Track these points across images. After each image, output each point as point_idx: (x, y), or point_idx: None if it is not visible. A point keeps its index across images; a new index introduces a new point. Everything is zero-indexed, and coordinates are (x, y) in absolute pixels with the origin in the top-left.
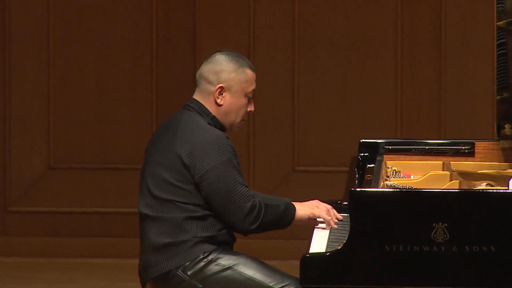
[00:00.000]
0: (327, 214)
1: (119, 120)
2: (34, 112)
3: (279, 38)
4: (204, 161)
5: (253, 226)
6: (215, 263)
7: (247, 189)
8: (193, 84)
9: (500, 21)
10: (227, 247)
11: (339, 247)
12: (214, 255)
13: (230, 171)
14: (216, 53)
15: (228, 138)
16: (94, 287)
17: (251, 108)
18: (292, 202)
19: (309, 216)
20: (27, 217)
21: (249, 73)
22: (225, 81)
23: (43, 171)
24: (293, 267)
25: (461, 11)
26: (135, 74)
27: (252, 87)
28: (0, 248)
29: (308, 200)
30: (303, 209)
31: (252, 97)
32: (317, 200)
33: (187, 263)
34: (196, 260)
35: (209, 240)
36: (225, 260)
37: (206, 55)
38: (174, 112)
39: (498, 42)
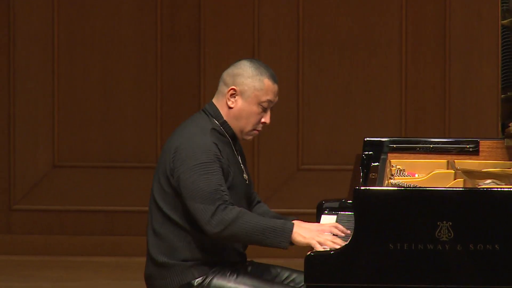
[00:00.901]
0: (331, 239)
1: (124, 118)
2: (38, 111)
3: (283, 38)
4: (182, 164)
5: (217, 229)
6: None
7: (215, 193)
8: (197, 83)
9: (505, 20)
10: (223, 266)
11: (344, 246)
12: (206, 281)
13: (200, 174)
14: (243, 59)
15: (215, 145)
16: (98, 285)
17: (266, 119)
18: (297, 224)
19: (309, 244)
20: (31, 216)
21: (267, 82)
22: (239, 84)
23: (47, 169)
24: (298, 265)
25: (466, 10)
26: (139, 73)
27: (268, 97)
28: (4, 246)
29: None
30: (303, 236)
31: (268, 108)
32: (319, 224)
33: (180, 287)
34: (188, 286)
35: (202, 263)
36: (217, 286)
37: (211, 54)
38: (178, 111)
39: (503, 41)
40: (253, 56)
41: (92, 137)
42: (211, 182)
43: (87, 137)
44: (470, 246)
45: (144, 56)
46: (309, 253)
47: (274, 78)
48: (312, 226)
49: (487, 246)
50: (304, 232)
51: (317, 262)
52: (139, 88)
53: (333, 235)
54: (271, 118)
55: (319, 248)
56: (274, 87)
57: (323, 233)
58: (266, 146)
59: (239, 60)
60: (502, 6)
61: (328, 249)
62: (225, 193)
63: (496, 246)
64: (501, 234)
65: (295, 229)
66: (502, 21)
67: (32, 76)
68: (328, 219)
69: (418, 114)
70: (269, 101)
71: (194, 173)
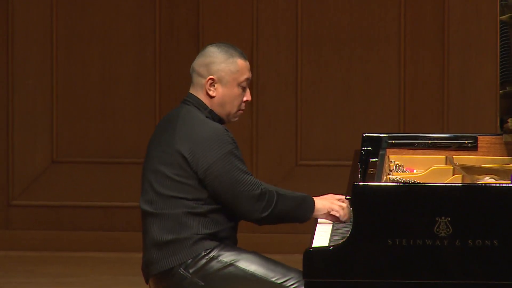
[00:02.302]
0: (343, 212)
1: (122, 114)
2: (37, 106)
3: (282, 33)
4: (207, 156)
5: (265, 214)
6: (216, 260)
7: (252, 178)
8: None
9: (503, 15)
10: (230, 243)
11: (342, 241)
12: (216, 252)
13: (233, 162)
14: (208, 46)
15: (227, 130)
16: (97, 280)
17: (247, 97)
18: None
19: (327, 211)
20: (30, 211)
21: (240, 62)
22: (215, 72)
23: (46, 165)
24: (296, 261)
25: (464, 6)
26: (138, 69)
27: (245, 76)
28: (3, 242)
29: (322, 195)
30: (322, 203)
31: (246, 86)
32: (331, 195)
33: (189, 261)
34: (198, 258)
35: (211, 237)
36: (227, 257)
37: None
38: (176, 106)
39: (501, 36)
40: (251, 52)
41: (91, 133)
42: (244, 168)
43: (86, 133)
44: (469, 241)
45: (143, 52)
46: (307, 248)
47: (244, 55)
48: (325, 196)
49: (486, 241)
50: (322, 200)
51: (316, 257)
52: (138, 84)
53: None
54: (267, 111)
55: (336, 208)
56: (247, 64)
57: (336, 203)
58: (265, 142)
59: (204, 48)
60: (501, 2)
61: (328, 242)
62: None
63: (494, 241)
64: (500, 229)
65: (315, 200)
66: (501, 17)
67: (30, 72)
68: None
69: (417, 110)
70: (246, 79)
71: (228, 162)
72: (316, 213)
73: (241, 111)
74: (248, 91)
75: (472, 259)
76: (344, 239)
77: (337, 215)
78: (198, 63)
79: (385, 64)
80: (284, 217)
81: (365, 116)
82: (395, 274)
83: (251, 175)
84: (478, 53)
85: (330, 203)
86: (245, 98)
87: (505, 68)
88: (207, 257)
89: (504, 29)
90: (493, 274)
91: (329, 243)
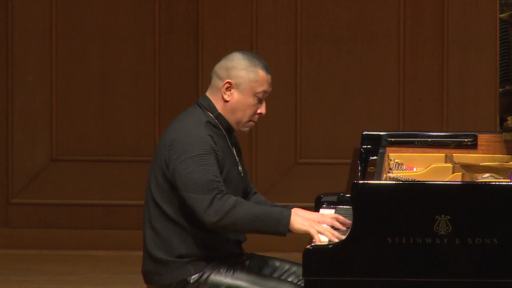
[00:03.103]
0: (330, 231)
1: (122, 112)
2: (37, 104)
3: (282, 30)
4: (177, 156)
5: (215, 219)
6: (203, 284)
7: (212, 183)
8: (195, 76)
9: (503, 13)
10: (221, 263)
11: (342, 239)
12: (202, 278)
13: (196, 166)
14: (234, 51)
15: (211, 137)
16: (96, 279)
17: (261, 110)
18: (295, 212)
19: (306, 233)
20: (29, 209)
21: (261, 73)
22: (234, 77)
23: (45, 163)
24: (296, 259)
25: (464, 3)
26: (138, 66)
27: (263, 88)
28: (3, 240)
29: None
30: (301, 222)
31: (263, 99)
32: (321, 214)
33: (176, 283)
34: (184, 283)
35: (198, 259)
36: (214, 281)
37: (209, 47)
38: (176, 104)
39: (501, 34)
40: (251, 48)
41: (90, 131)
42: (207, 173)
43: (85, 131)
44: (468, 239)
45: (142, 49)
46: (307, 246)
47: (267, 68)
48: (312, 215)
49: (485, 239)
50: (303, 220)
51: (315, 256)
52: (137, 82)
53: (335, 229)
54: (267, 109)
55: (318, 238)
56: (268, 78)
57: (322, 223)
58: (264, 140)
59: (231, 52)
60: (500, 0)
61: (327, 241)
62: (221, 183)
63: (494, 239)
64: (499, 227)
65: (293, 216)
66: (500, 15)
67: (30, 70)
68: (326, 213)
69: (416, 108)
70: (264, 92)
71: (190, 164)
72: (293, 230)
73: (252, 123)
74: (264, 104)
75: (472, 257)
76: (344, 237)
77: (317, 238)
78: (220, 66)
79: (384, 62)
80: (243, 227)
81: (364, 113)
82: (394, 272)
83: (214, 181)
84: (477, 50)
85: (310, 226)
86: (259, 111)
87: (505, 66)
88: (193, 281)
89: (503, 27)
90: (492, 272)
91: (328, 241)
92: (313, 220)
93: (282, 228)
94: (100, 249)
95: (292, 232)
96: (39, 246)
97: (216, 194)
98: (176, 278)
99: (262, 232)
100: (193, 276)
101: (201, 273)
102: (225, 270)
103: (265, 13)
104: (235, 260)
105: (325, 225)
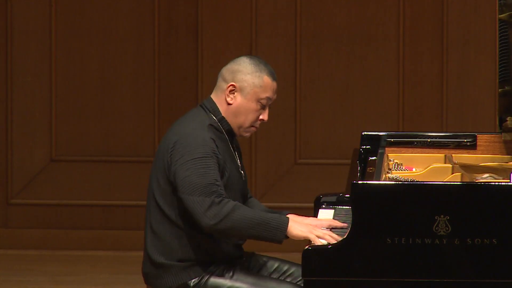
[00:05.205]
0: (330, 234)
1: (122, 112)
2: (36, 104)
3: (281, 31)
4: (179, 159)
5: (213, 222)
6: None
7: (211, 186)
8: (195, 76)
9: (502, 14)
10: (220, 265)
11: (341, 240)
12: (202, 281)
13: (197, 169)
14: (243, 56)
15: (213, 140)
16: (96, 279)
17: (264, 116)
18: (292, 218)
19: (305, 238)
20: (29, 210)
21: (266, 79)
22: (238, 81)
23: (45, 163)
24: (295, 259)
25: (463, 4)
26: (137, 67)
27: (267, 94)
28: (2, 241)
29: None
30: (299, 229)
31: (266, 105)
32: (315, 219)
33: (176, 287)
34: (184, 286)
35: (197, 263)
36: (214, 284)
37: (209, 48)
38: (175, 105)
39: (500, 35)
40: (250, 49)
41: (90, 131)
42: (207, 176)
43: (85, 131)
44: (468, 240)
45: (142, 49)
46: (306, 247)
47: (273, 75)
48: (308, 220)
49: (485, 240)
50: (301, 226)
51: (314, 256)
52: (137, 82)
53: (330, 230)
54: (268, 115)
55: (318, 242)
56: (273, 85)
57: (320, 227)
58: (263, 140)
59: (239, 56)
60: (500, 1)
61: (326, 243)
62: (220, 187)
63: (493, 240)
64: (499, 228)
65: (290, 223)
66: (500, 15)
67: (29, 70)
68: (325, 213)
69: (416, 108)
70: (268, 98)
71: (191, 167)
72: (291, 237)
73: (254, 128)
74: (267, 110)
75: (471, 257)
76: (343, 238)
77: (317, 243)
78: (227, 68)
79: (384, 62)
80: (241, 232)
81: (364, 113)
82: (394, 272)
83: (214, 184)
84: (477, 51)
85: (309, 232)
86: (261, 117)
87: (504, 67)
88: (193, 285)
89: (503, 28)
90: (492, 272)
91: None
92: (311, 225)
93: (280, 235)
94: (99, 249)
95: (289, 239)
96: (39, 246)
97: (215, 197)
98: (176, 282)
99: (259, 238)
100: (193, 280)
101: (201, 276)
102: (225, 273)
103: (265, 13)
104: (234, 261)
105: (323, 229)
